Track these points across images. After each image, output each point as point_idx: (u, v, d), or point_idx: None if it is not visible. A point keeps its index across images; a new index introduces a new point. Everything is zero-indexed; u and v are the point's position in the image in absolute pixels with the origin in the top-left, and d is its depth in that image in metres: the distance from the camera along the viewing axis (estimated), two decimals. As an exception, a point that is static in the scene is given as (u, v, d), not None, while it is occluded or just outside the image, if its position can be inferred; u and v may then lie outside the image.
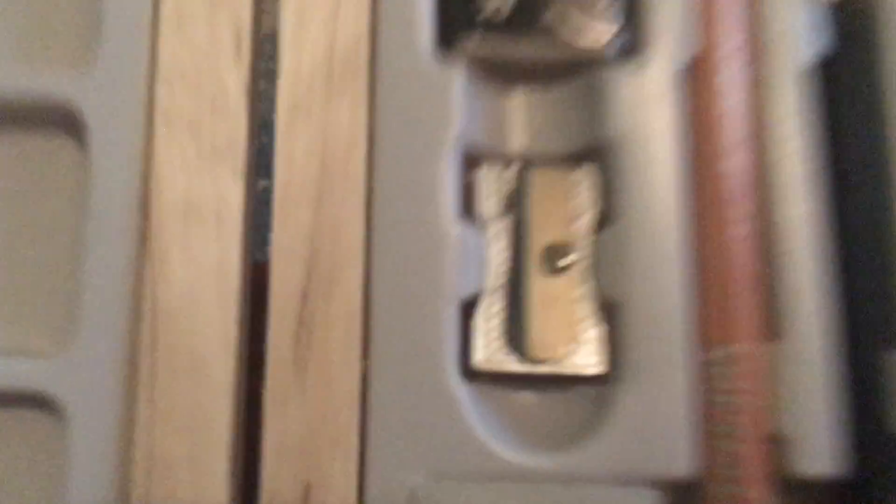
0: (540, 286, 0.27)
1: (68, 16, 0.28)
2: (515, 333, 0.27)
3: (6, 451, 0.27)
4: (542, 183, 0.28)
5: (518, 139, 0.29)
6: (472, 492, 0.25)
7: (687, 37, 0.27)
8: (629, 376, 0.25)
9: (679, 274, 0.26)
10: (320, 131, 0.26)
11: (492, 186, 0.28)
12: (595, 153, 0.28)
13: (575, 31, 0.26)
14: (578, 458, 0.25)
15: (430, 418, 0.25)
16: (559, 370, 0.27)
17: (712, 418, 0.25)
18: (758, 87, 0.27)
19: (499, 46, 0.27)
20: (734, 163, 0.26)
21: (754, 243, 0.26)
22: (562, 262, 0.27)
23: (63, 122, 0.27)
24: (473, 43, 0.27)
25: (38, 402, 0.26)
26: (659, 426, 0.25)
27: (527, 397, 0.27)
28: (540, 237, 0.27)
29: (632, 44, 0.27)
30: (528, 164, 0.28)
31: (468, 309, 0.27)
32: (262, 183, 0.27)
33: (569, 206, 0.28)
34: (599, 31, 0.26)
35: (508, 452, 0.25)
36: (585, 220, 0.28)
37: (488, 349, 0.27)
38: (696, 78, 0.27)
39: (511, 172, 0.28)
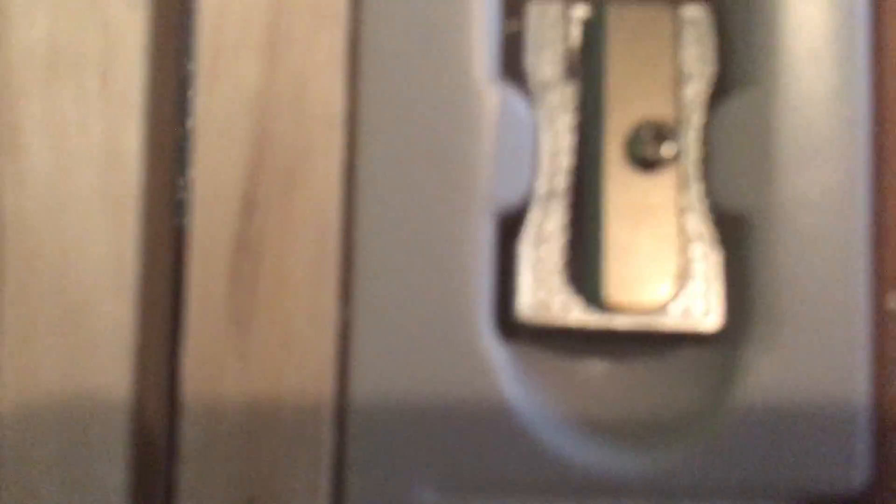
0: (623, 191, 0.22)
1: None
2: (583, 267, 0.23)
3: None
4: (626, 28, 0.23)
5: None
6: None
7: None
8: (763, 334, 0.21)
9: (850, 171, 0.21)
10: None
11: (547, 35, 0.23)
12: None
13: None
14: (679, 460, 0.21)
15: (447, 400, 0.21)
16: (651, 325, 0.22)
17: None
18: None
19: None
20: None
21: None
22: (658, 153, 0.22)
23: None
24: None
25: None
26: (809, 412, 0.21)
27: (600, 367, 0.24)
28: (624, 114, 0.23)
29: None
30: (603, 1, 0.24)
31: (510, 226, 0.23)
32: (191, 24, 0.22)
33: (668, 66, 0.22)
34: None
35: (568, 450, 0.21)
36: (695, 88, 0.23)
37: (540, 291, 0.22)
38: None
39: (579, 12, 0.23)
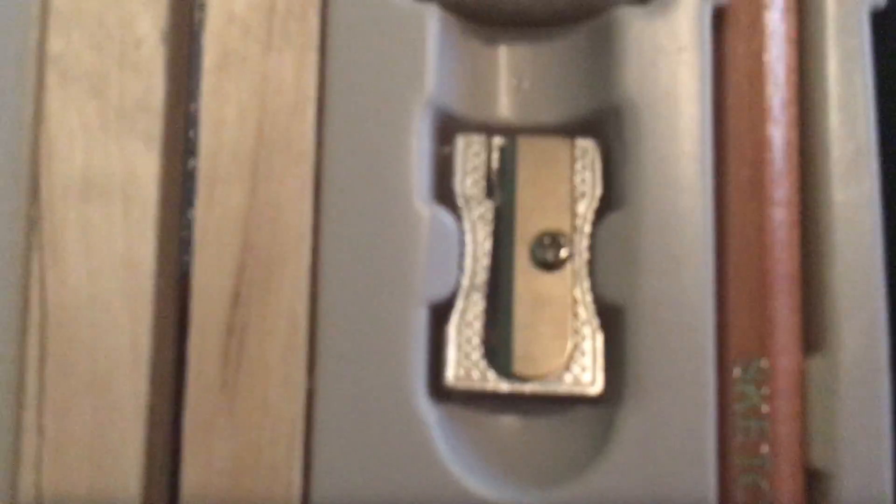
0: (528, 285, 0.25)
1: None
2: (497, 344, 0.25)
3: None
4: (532, 158, 0.26)
5: (504, 104, 0.27)
6: (443, 540, 0.23)
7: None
8: (634, 396, 0.24)
9: (699, 271, 0.24)
10: (256, 90, 0.24)
11: (471, 162, 0.26)
12: (599, 122, 0.26)
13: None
14: (571, 496, 0.24)
15: (391, 450, 0.24)
16: (550, 389, 0.25)
17: (736, 448, 0.24)
18: (801, 41, 0.26)
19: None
20: (781, 128, 0.25)
21: (793, 233, 0.25)
22: (556, 256, 0.25)
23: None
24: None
25: None
26: (670, 458, 0.24)
27: (510, 422, 0.26)
28: (529, 225, 0.26)
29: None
30: (515, 134, 0.27)
31: (440, 313, 0.25)
32: (193, 163, 0.25)
33: (565, 188, 0.26)
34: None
35: (486, 488, 0.24)
36: (585, 205, 0.26)
37: (464, 364, 0.25)
38: (738, 19, 0.25)
39: (495, 145, 0.27)
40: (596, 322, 0.25)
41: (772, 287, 0.25)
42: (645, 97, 0.25)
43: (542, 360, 0.25)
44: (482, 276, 0.26)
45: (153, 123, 0.24)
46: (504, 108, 0.27)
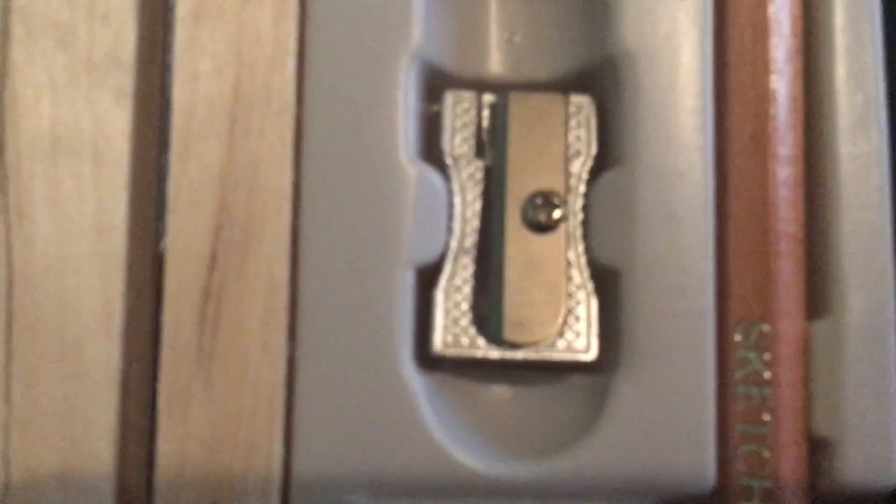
0: (520, 248, 0.25)
1: None
2: (487, 309, 0.25)
3: None
4: (524, 115, 0.26)
5: (495, 59, 0.27)
6: (429, 512, 0.23)
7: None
8: (630, 363, 0.24)
9: (698, 231, 0.24)
10: (233, 42, 0.24)
11: (461, 119, 0.26)
12: (594, 77, 0.26)
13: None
14: (564, 468, 0.24)
15: (375, 419, 0.23)
16: (542, 356, 0.25)
17: (736, 416, 0.24)
18: None
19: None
20: (785, 80, 0.24)
21: (798, 191, 0.25)
22: (548, 218, 0.25)
23: None
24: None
25: None
26: (668, 427, 0.24)
27: (500, 391, 0.26)
28: (521, 185, 0.25)
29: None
30: (507, 91, 0.26)
31: (427, 278, 0.25)
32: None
33: (558, 146, 0.26)
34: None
35: (476, 460, 0.24)
36: (579, 164, 0.26)
37: (452, 330, 0.25)
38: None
39: (486, 101, 0.26)
40: (590, 286, 0.25)
41: (775, 248, 0.24)
42: (642, 48, 0.24)
43: (535, 325, 0.25)
44: (472, 239, 0.26)
45: (124, 77, 0.24)
46: (495, 62, 0.27)
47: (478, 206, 0.26)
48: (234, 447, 0.23)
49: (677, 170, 0.24)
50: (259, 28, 0.24)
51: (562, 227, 0.25)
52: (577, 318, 0.25)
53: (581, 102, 0.26)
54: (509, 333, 0.25)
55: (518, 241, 0.25)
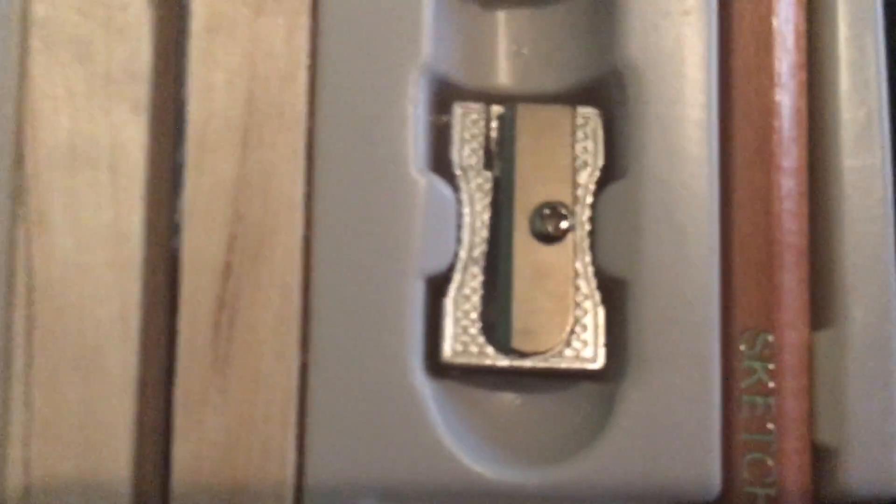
0: (528, 258, 0.25)
1: None
2: (496, 318, 0.26)
3: None
4: (532, 127, 0.26)
5: (503, 71, 0.27)
6: (438, 517, 0.23)
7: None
8: (637, 372, 0.24)
9: (703, 242, 0.25)
10: (247, 55, 0.24)
11: (469, 130, 0.27)
12: (601, 89, 0.26)
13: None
14: (571, 475, 0.24)
15: (385, 425, 0.24)
16: (550, 365, 0.25)
17: (741, 425, 0.24)
18: (810, 3, 0.26)
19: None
20: (789, 93, 0.25)
21: (802, 203, 0.25)
22: (556, 228, 0.25)
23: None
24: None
25: None
26: (673, 435, 0.24)
27: (508, 398, 0.26)
28: (529, 196, 0.26)
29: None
30: (515, 102, 0.27)
31: (437, 287, 0.26)
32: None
33: (566, 157, 0.26)
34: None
35: (484, 467, 0.24)
36: (586, 175, 0.26)
37: (461, 338, 0.25)
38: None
39: (494, 113, 0.27)
40: (597, 295, 0.26)
41: (779, 259, 0.25)
42: (648, 62, 0.25)
43: (542, 334, 0.25)
44: (480, 249, 0.26)
45: (140, 90, 0.25)
46: (503, 74, 0.27)
47: (486, 216, 0.26)
48: (249, 452, 0.23)
49: (683, 181, 0.25)
50: (272, 42, 0.25)
51: (569, 237, 0.26)
52: (585, 328, 0.26)
53: (588, 114, 0.27)
54: (517, 342, 0.25)
55: (526, 252, 0.26)
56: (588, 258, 0.26)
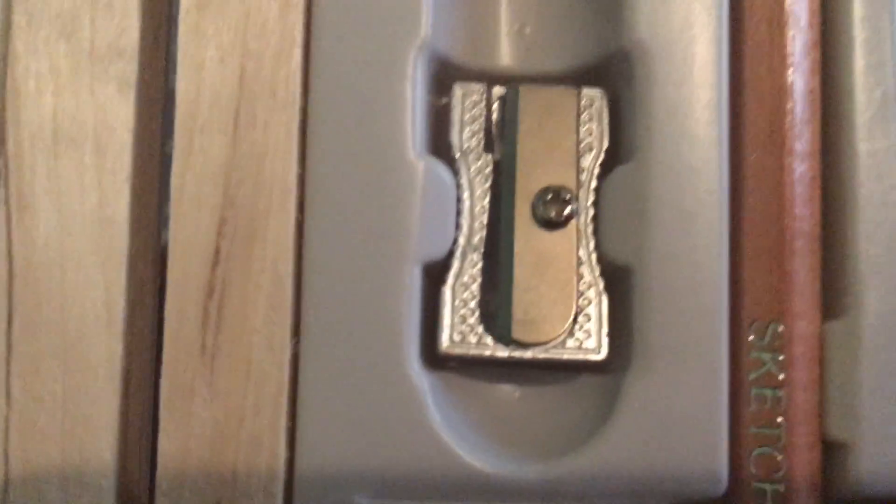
0: (529, 245, 0.25)
1: None
2: (496, 307, 0.25)
3: None
4: (535, 108, 0.26)
5: (505, 51, 0.27)
6: (435, 513, 0.23)
7: None
8: (642, 363, 0.24)
9: (712, 228, 0.24)
10: (238, 31, 0.24)
11: (470, 112, 0.26)
12: (606, 69, 0.26)
13: None
14: (573, 469, 0.24)
15: (380, 418, 0.24)
16: (552, 356, 0.25)
17: (749, 418, 0.24)
18: None
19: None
20: (802, 74, 0.25)
21: (814, 188, 0.25)
22: (558, 214, 0.25)
23: None
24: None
25: None
26: (680, 429, 0.24)
27: (508, 390, 0.26)
28: (531, 180, 0.26)
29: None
30: (517, 83, 0.26)
31: (435, 274, 0.25)
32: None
33: (570, 140, 0.26)
34: None
35: (483, 461, 0.24)
36: (591, 158, 0.26)
37: (460, 328, 0.25)
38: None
39: (496, 94, 0.27)
40: (601, 284, 0.26)
41: (790, 246, 0.25)
42: (656, 40, 0.25)
43: (544, 324, 0.25)
44: (480, 235, 0.26)
45: (127, 67, 0.24)
46: (505, 54, 0.27)
47: (486, 201, 0.26)
48: (238, 445, 0.23)
49: (691, 165, 0.25)
50: (265, 18, 0.24)
51: (572, 223, 0.26)
52: (588, 317, 0.25)
53: (593, 95, 0.26)
54: (518, 332, 0.25)
55: (528, 238, 0.25)
56: (592, 245, 0.26)
